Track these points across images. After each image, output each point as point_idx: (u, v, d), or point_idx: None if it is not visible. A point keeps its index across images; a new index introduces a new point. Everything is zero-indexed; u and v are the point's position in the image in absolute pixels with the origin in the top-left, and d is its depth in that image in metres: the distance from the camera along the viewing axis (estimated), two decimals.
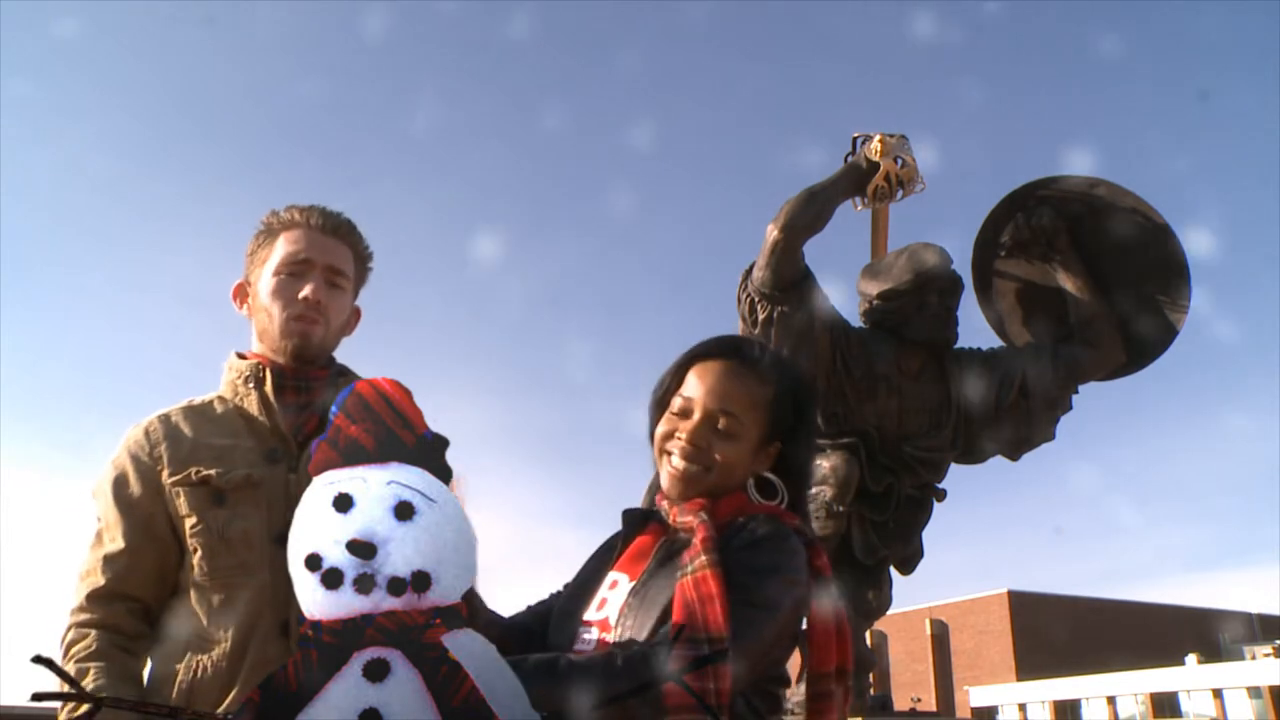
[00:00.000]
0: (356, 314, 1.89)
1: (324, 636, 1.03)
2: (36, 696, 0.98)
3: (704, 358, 1.54)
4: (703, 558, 1.33)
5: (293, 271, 1.75)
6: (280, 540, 1.61)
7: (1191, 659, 30.04)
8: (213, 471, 1.65)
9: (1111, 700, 30.47)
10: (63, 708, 1.53)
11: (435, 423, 1.23)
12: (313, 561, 1.06)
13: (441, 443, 1.18)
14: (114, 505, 1.68)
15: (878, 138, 3.91)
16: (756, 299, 3.92)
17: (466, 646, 1.03)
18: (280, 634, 1.59)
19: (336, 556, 1.04)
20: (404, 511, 1.06)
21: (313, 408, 1.74)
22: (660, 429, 1.53)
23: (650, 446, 1.57)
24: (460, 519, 1.12)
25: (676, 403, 1.52)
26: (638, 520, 1.54)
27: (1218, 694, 28.37)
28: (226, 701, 1.55)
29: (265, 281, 1.77)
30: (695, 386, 1.51)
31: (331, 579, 1.04)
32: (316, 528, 1.08)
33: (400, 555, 1.04)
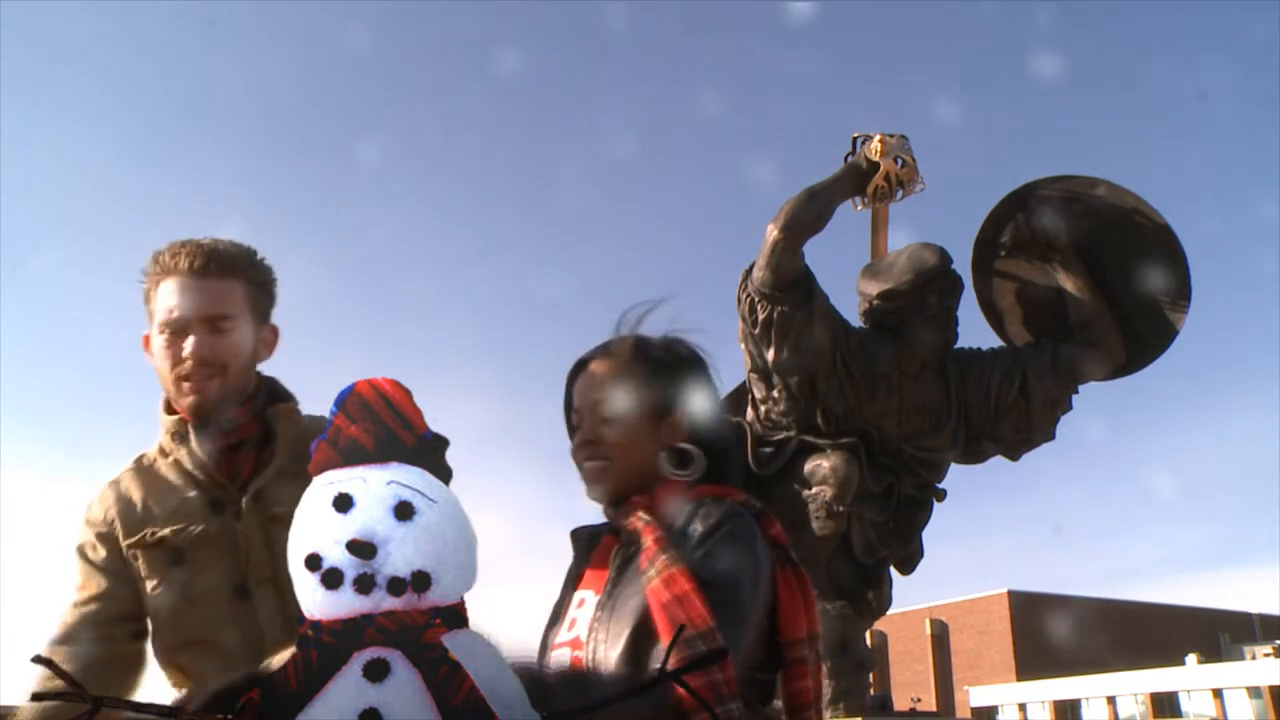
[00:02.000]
0: (272, 334, 1.81)
1: (324, 636, 1.03)
2: (36, 696, 0.98)
3: (577, 372, 1.61)
4: (662, 558, 1.34)
5: (174, 330, 1.68)
6: (240, 592, 1.61)
7: (1191, 659, 30.04)
8: (167, 531, 1.65)
9: (1111, 700, 30.46)
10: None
11: (435, 423, 1.23)
12: (313, 561, 1.06)
13: (441, 443, 1.18)
14: (83, 566, 1.71)
15: (878, 138, 3.92)
16: (756, 299, 3.92)
17: (466, 646, 1.03)
18: None
19: (336, 556, 1.04)
20: (404, 511, 1.06)
21: (246, 445, 1.72)
22: (571, 451, 1.59)
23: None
24: (460, 519, 1.11)
25: (573, 420, 1.59)
26: (587, 539, 1.57)
27: (1218, 694, 28.36)
28: None
29: (155, 339, 1.72)
30: (575, 396, 1.59)
31: (331, 579, 1.04)
32: (316, 528, 1.08)
33: (400, 555, 1.04)
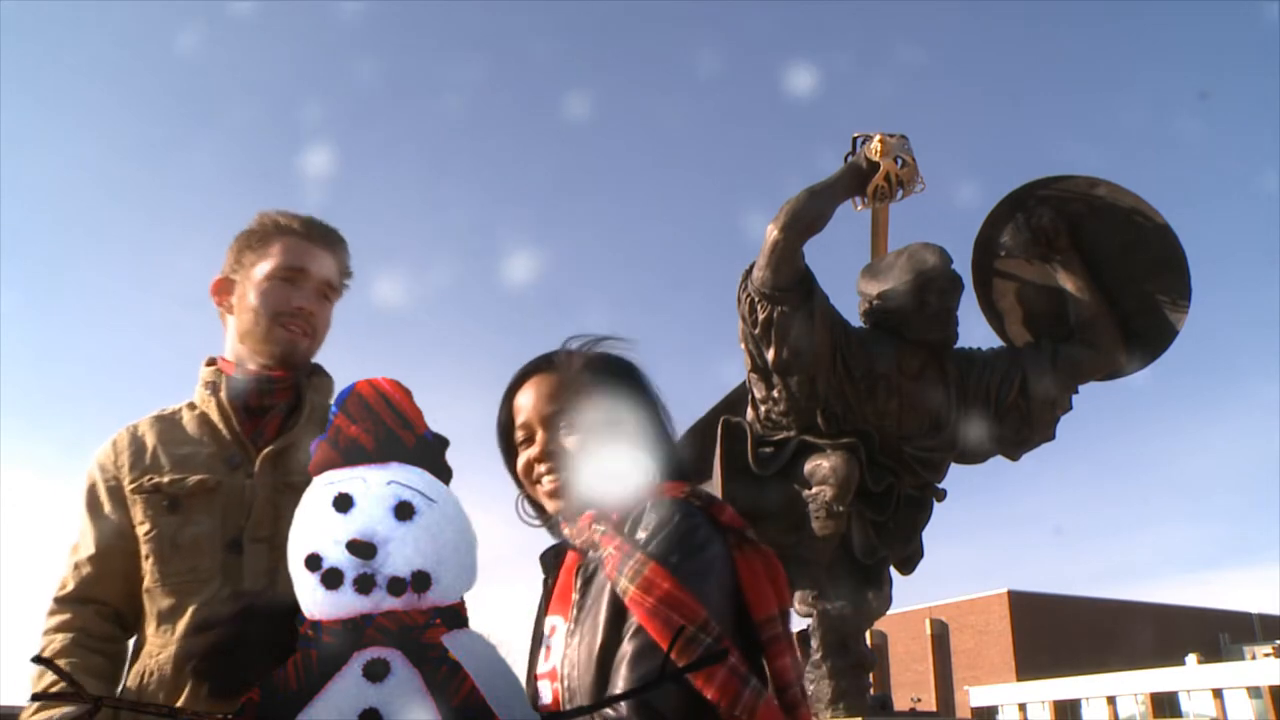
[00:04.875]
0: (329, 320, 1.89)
1: (324, 636, 1.03)
2: (37, 696, 0.98)
3: (518, 385, 1.58)
4: (630, 563, 1.32)
5: (286, 278, 1.76)
6: (233, 547, 1.63)
7: (1191, 659, 30.04)
8: (165, 479, 1.67)
9: (1111, 700, 30.46)
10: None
11: (435, 423, 1.23)
12: (313, 561, 1.06)
13: (441, 443, 1.18)
14: (86, 514, 1.72)
15: (878, 138, 3.92)
16: (756, 299, 3.92)
17: (466, 646, 1.03)
18: None
19: (336, 556, 1.04)
20: (404, 511, 1.07)
21: (275, 410, 1.77)
22: (519, 466, 1.56)
23: (519, 492, 1.61)
24: (460, 519, 1.12)
25: (518, 435, 1.55)
26: (552, 558, 1.55)
27: (1218, 694, 28.36)
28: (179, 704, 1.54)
29: (255, 283, 1.76)
30: (523, 410, 1.55)
31: (332, 579, 1.04)
32: (317, 528, 1.08)
33: (400, 555, 1.04)
